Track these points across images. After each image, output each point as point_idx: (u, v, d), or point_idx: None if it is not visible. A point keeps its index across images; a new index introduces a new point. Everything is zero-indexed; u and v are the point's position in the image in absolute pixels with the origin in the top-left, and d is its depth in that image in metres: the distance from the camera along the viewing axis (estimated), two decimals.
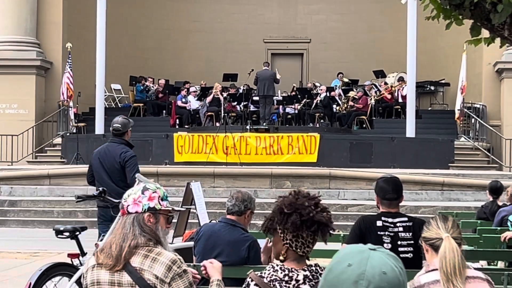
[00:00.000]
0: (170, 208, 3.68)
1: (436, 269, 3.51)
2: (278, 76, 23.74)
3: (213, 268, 3.82)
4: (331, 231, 3.27)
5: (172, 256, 3.49)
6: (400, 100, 24.92)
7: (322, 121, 24.72)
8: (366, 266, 1.81)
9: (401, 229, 5.47)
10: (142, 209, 3.56)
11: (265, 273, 3.26)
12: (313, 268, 3.25)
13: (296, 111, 25.04)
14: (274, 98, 24.74)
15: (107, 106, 25.12)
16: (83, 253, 7.47)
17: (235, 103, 25.22)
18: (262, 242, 5.35)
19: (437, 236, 3.59)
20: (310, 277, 3.21)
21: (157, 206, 3.59)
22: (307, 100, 24.82)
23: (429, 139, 21.85)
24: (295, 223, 3.20)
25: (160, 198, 3.62)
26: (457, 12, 6.05)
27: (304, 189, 3.38)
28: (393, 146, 20.82)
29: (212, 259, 3.93)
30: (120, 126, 8.66)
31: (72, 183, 18.93)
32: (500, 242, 8.16)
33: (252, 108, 24.99)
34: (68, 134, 23.09)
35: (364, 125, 24.55)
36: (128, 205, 3.58)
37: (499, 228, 8.95)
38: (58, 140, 23.10)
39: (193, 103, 25.34)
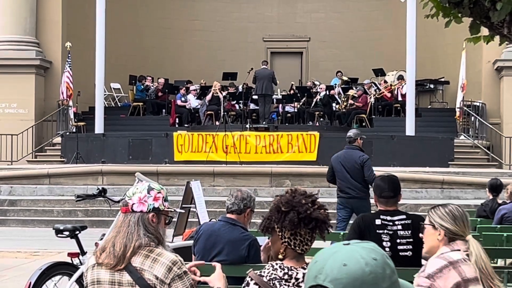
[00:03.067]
0: (172, 210, 3.68)
1: (459, 250, 3.84)
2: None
3: (215, 279, 3.68)
4: (329, 228, 3.28)
5: (172, 257, 3.48)
6: (399, 98, 24.90)
7: (321, 119, 24.72)
8: (328, 261, 1.79)
9: (400, 227, 5.46)
10: (147, 208, 3.54)
11: (264, 272, 3.26)
12: None
13: (296, 110, 25.04)
14: (274, 97, 24.74)
15: (106, 105, 25.11)
16: (83, 252, 7.47)
17: (235, 102, 25.21)
18: (261, 241, 5.34)
19: (462, 234, 3.92)
20: None
21: (161, 207, 3.58)
22: (307, 99, 24.82)
23: (429, 138, 21.85)
24: (292, 221, 3.20)
25: (164, 199, 3.61)
26: (456, 10, 6.04)
27: (304, 187, 3.39)
28: (393, 145, 20.82)
29: (216, 263, 3.83)
30: (352, 135, 11.25)
31: (72, 182, 18.94)
32: (500, 240, 8.15)
33: (251, 106, 24.97)
34: (67, 133, 23.07)
35: (363, 124, 24.54)
36: (133, 204, 3.55)
37: (499, 226, 8.96)
38: (58, 139, 23.09)
39: (193, 102, 25.34)
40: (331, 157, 11.47)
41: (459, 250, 3.85)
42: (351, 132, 11.53)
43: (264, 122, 22.76)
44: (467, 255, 3.83)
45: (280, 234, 3.26)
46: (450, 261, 3.79)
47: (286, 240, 3.25)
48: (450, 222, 3.94)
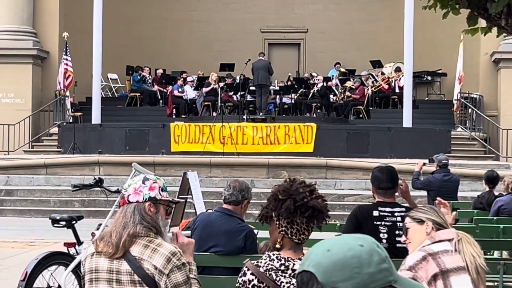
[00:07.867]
0: (170, 199, 3.69)
1: (442, 241, 4.00)
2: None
3: (185, 246, 3.72)
4: (326, 218, 3.28)
5: (172, 249, 3.50)
6: (397, 90, 24.89)
7: (319, 111, 24.72)
8: (315, 249, 1.83)
9: (399, 218, 5.42)
10: (143, 198, 3.58)
11: (261, 262, 3.25)
12: None
13: (293, 101, 25.02)
14: (271, 88, 24.72)
15: (103, 96, 25.07)
16: (80, 242, 7.48)
17: (232, 93, 25.19)
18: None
19: (445, 226, 4.17)
20: None
21: (158, 196, 3.61)
22: (304, 90, 24.80)
23: (426, 129, 21.85)
24: (289, 209, 3.21)
25: (160, 188, 3.64)
26: (454, 1, 6.04)
27: (300, 178, 3.38)
28: (390, 136, 20.82)
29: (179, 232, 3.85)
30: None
31: (68, 172, 18.93)
32: (497, 232, 8.16)
33: (249, 98, 24.96)
34: (64, 123, 23.01)
35: (361, 115, 24.53)
36: (128, 195, 3.59)
37: (495, 218, 8.97)
38: (55, 129, 23.04)
39: (190, 93, 25.31)
40: None
41: (442, 241, 4.01)
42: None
43: (261, 113, 22.74)
44: (456, 242, 3.98)
45: (277, 222, 3.27)
46: (429, 253, 3.94)
47: (283, 228, 3.25)
48: (435, 214, 4.23)
